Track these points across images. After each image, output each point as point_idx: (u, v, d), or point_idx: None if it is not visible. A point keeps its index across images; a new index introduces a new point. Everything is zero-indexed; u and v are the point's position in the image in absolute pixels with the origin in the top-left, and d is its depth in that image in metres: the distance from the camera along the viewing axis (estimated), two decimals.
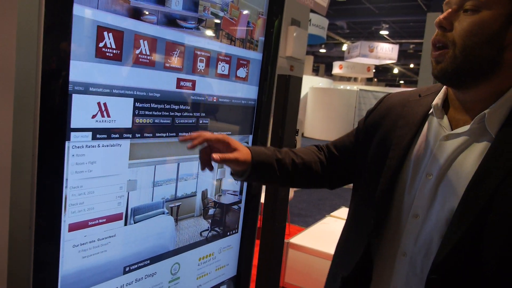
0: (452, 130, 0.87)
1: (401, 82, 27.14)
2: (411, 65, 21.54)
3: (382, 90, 19.09)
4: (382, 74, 26.00)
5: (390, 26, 14.89)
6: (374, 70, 19.76)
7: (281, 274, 2.70)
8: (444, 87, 0.93)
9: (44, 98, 0.85)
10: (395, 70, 22.10)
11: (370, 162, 1.01)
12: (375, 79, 27.05)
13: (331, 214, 3.91)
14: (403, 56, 19.48)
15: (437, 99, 0.91)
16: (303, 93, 6.00)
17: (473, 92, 0.84)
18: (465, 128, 0.84)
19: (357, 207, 1.06)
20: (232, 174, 1.06)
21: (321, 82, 18.81)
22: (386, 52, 14.57)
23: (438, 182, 0.85)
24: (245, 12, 1.43)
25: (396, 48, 14.90)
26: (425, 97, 0.96)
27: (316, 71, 25.18)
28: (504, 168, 0.77)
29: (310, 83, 16.72)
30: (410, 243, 0.89)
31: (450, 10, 0.82)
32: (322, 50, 18.97)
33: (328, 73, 25.11)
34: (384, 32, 15.15)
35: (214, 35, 1.35)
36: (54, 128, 0.91)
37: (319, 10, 5.38)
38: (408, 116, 0.95)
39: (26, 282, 0.91)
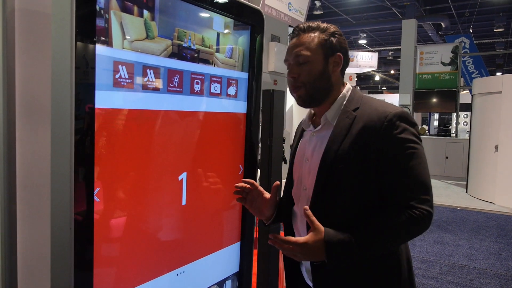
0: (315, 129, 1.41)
1: (384, 88, 27.64)
2: (392, 71, 22.07)
3: None
4: (364, 82, 26.50)
5: (368, 35, 15.35)
6: (356, 79, 20.12)
7: (279, 278, 2.87)
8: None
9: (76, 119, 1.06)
10: (377, 77, 22.61)
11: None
12: (358, 87, 27.52)
13: None
14: (383, 63, 20.01)
15: (306, 116, 1.47)
16: (288, 105, 6.22)
17: (323, 106, 1.37)
18: (320, 126, 1.38)
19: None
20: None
21: None
22: (366, 60, 15.01)
23: (310, 160, 1.38)
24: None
25: (375, 56, 15.37)
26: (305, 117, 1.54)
27: None
28: (339, 139, 1.29)
29: None
30: (302, 204, 1.39)
31: (291, 65, 1.33)
32: None
33: None
34: (362, 41, 15.61)
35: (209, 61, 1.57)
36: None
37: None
38: (297, 131, 1.55)
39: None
